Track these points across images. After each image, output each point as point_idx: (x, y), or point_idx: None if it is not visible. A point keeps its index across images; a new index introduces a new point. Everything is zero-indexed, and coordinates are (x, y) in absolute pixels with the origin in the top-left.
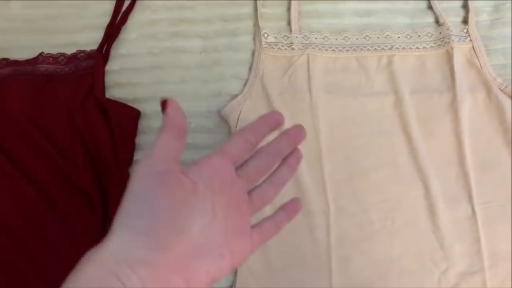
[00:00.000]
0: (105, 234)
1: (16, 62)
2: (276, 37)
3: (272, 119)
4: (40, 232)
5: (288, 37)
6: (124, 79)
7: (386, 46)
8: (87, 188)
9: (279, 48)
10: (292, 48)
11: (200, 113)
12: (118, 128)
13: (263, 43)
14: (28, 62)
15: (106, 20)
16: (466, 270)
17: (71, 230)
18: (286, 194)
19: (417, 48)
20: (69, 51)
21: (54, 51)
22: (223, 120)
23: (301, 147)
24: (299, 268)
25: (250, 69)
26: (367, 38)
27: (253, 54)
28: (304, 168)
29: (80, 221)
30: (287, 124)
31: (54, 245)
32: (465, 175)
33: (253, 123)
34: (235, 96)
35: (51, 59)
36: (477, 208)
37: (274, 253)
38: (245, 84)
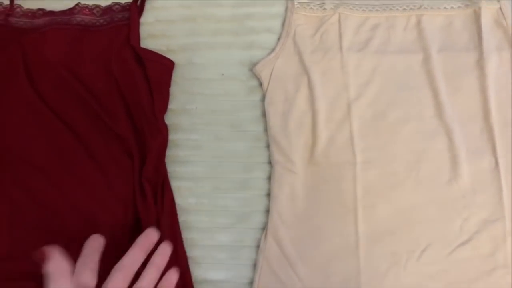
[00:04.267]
0: (141, 179)
1: (52, 13)
2: None
3: (147, 242)
4: (76, 175)
5: None
6: (158, 31)
7: (415, 6)
8: (124, 134)
9: (311, 8)
10: (324, 8)
11: (232, 65)
12: (154, 77)
13: (295, 2)
14: (64, 12)
15: None
16: (488, 217)
17: (107, 174)
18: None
19: (445, 8)
20: (104, 3)
21: (89, 2)
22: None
23: (331, 103)
24: (326, 217)
25: (283, 23)
26: None
27: (286, 9)
28: (333, 123)
29: (116, 166)
30: (317, 81)
31: (91, 189)
32: (489, 129)
33: (128, 255)
34: (267, 49)
35: (86, 10)
36: (500, 161)
37: (301, 203)
38: (278, 39)
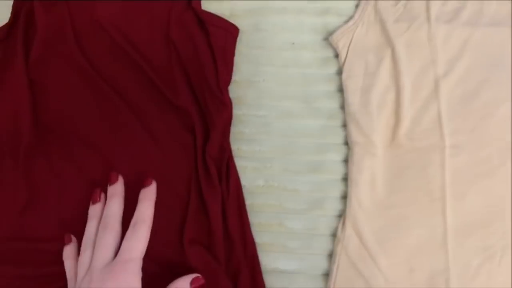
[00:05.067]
0: (205, 157)
1: None
2: None
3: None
4: (131, 151)
5: None
6: None
7: None
8: (184, 107)
9: None
10: None
11: (304, 32)
12: (218, 45)
13: None
14: None
15: None
16: None
17: (165, 150)
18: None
19: None
20: None
21: None
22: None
23: (417, 79)
24: (410, 206)
25: None
26: None
27: None
28: (419, 101)
29: (175, 142)
30: (402, 54)
31: (147, 166)
32: None
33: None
34: (343, 15)
35: None
36: None
37: (383, 189)
38: (356, 6)
